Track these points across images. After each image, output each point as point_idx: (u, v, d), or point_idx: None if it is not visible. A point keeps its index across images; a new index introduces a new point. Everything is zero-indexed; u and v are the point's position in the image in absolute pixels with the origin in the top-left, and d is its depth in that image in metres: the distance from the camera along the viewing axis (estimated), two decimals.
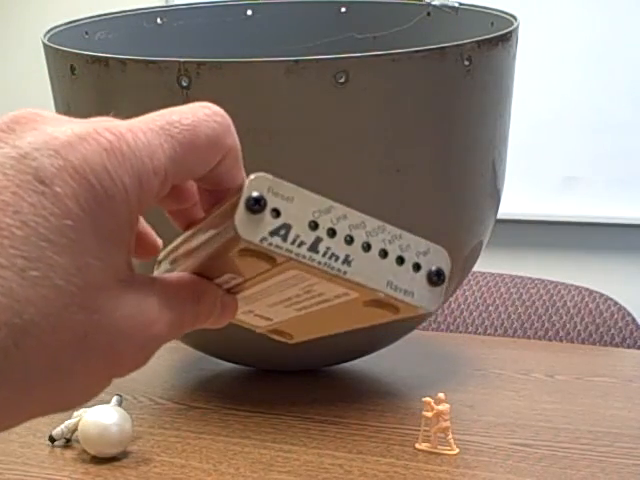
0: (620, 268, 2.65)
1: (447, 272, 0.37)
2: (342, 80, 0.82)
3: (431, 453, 0.85)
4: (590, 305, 1.46)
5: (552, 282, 1.51)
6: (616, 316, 1.44)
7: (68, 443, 0.87)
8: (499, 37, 0.91)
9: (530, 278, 1.52)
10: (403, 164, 0.88)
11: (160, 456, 0.85)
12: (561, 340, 1.45)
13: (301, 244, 0.34)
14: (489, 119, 0.94)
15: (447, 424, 0.84)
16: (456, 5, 1.11)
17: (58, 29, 1.02)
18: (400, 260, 0.36)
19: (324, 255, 0.35)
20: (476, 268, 1.09)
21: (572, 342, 1.43)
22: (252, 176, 0.34)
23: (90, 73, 0.87)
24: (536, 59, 2.50)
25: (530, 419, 0.93)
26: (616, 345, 1.41)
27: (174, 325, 0.36)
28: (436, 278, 0.37)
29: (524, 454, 0.85)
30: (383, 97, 0.85)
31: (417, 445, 0.86)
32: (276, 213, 0.34)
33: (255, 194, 0.34)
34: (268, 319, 0.43)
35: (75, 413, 0.88)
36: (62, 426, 0.87)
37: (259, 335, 1.03)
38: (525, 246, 2.70)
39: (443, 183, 0.92)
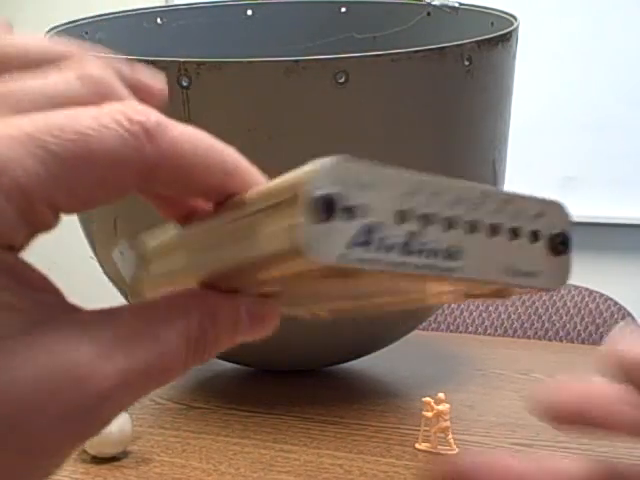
0: (620, 268, 2.65)
1: (570, 234, 0.29)
2: (342, 80, 0.82)
3: (431, 453, 0.85)
4: (590, 305, 1.46)
5: None
6: (616, 316, 1.44)
7: None
8: (499, 37, 0.91)
9: None
10: (403, 164, 0.88)
11: (160, 456, 0.85)
12: (561, 340, 1.45)
13: (390, 248, 0.25)
14: (489, 119, 0.94)
15: (447, 424, 0.84)
16: (456, 5, 1.11)
17: (58, 29, 1.02)
18: (514, 233, 0.28)
19: (420, 254, 0.26)
20: None
21: (572, 342, 1.43)
22: (309, 167, 0.25)
23: None
24: (536, 59, 2.50)
25: (530, 419, 0.93)
26: None
27: (138, 370, 0.26)
28: (560, 245, 0.29)
29: (524, 454, 0.85)
30: (383, 97, 0.85)
31: (417, 445, 0.86)
32: (351, 212, 0.25)
33: (319, 193, 0.24)
34: (309, 310, 0.34)
35: None
36: None
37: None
38: None
39: None
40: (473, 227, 0.27)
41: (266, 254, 0.26)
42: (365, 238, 0.25)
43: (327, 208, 0.24)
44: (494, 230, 0.28)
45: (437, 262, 0.26)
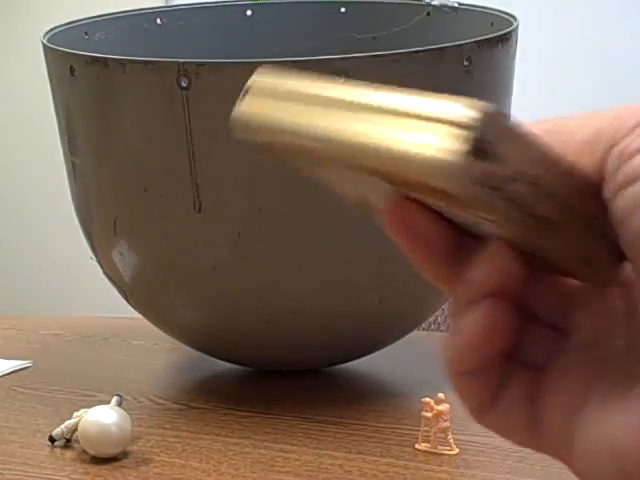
0: None
1: None
2: (342, 81, 0.82)
3: (431, 453, 0.85)
4: None
5: None
6: None
7: (68, 443, 0.87)
8: (499, 37, 0.91)
9: None
10: None
11: (160, 456, 0.85)
12: None
13: (498, 189, 0.30)
14: None
15: (447, 424, 0.84)
16: (456, 5, 1.11)
17: (57, 30, 1.02)
18: (601, 234, 0.32)
19: (520, 208, 0.31)
20: None
21: None
22: (479, 113, 0.30)
23: (89, 74, 0.87)
24: (536, 59, 2.50)
25: None
26: None
27: None
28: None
29: (524, 454, 0.85)
30: None
31: (417, 445, 0.86)
32: (494, 159, 0.30)
33: (479, 135, 0.29)
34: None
35: (75, 413, 0.88)
36: (62, 426, 0.87)
37: (259, 335, 1.02)
38: None
39: None
40: (571, 215, 0.31)
41: (416, 159, 0.30)
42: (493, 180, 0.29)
43: (480, 150, 0.29)
44: (588, 225, 0.31)
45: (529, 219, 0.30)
